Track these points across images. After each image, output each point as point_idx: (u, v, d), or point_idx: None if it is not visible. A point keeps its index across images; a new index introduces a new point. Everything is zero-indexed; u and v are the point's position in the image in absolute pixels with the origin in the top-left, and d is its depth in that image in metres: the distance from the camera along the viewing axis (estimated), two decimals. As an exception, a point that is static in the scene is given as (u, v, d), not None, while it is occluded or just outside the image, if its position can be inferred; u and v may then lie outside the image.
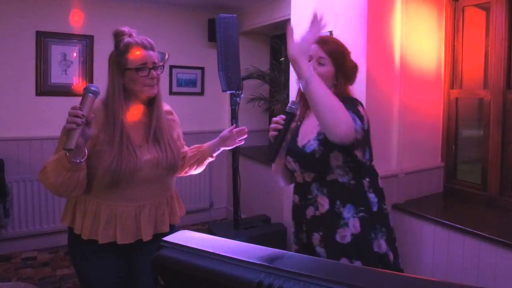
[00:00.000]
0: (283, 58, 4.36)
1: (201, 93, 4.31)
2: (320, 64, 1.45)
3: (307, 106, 1.50)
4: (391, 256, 1.41)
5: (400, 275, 0.43)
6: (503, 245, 1.71)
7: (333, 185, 1.41)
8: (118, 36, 1.44)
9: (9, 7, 3.37)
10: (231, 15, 2.85)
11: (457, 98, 2.45)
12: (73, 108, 1.23)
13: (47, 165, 1.31)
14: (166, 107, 1.60)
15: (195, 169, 1.72)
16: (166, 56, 1.55)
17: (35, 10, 3.46)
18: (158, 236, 1.47)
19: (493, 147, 2.22)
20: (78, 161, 1.26)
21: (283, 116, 1.37)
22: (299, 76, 1.23)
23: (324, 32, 2.31)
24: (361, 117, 1.36)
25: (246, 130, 1.71)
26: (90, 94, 1.28)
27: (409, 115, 2.29)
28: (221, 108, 4.40)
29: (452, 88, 2.46)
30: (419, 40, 2.33)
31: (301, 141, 1.48)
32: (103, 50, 3.71)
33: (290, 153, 1.48)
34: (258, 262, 0.47)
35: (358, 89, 2.11)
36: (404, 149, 2.28)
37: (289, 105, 1.37)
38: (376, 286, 0.42)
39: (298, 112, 1.39)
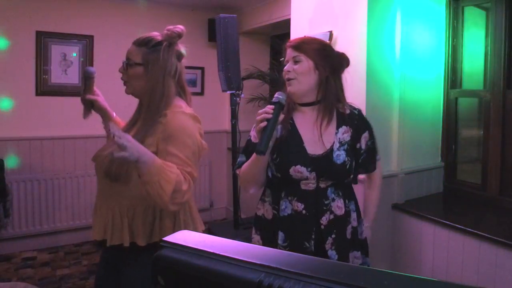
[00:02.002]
0: (283, 58, 4.35)
1: (201, 93, 4.31)
2: (295, 62, 1.43)
3: (293, 108, 1.49)
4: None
5: (400, 275, 0.43)
6: (503, 245, 1.71)
7: (346, 186, 1.46)
8: None
9: (9, 7, 3.37)
10: (231, 15, 2.85)
11: (457, 98, 2.45)
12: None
13: None
14: (174, 109, 1.37)
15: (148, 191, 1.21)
16: None
17: (35, 10, 3.46)
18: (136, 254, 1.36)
19: (493, 147, 2.22)
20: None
21: (271, 106, 1.30)
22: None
23: (320, 34, 2.31)
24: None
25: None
26: (84, 79, 1.55)
27: (409, 115, 2.28)
28: (221, 108, 4.40)
29: (452, 88, 2.46)
30: (419, 39, 2.33)
31: (311, 149, 1.41)
32: (103, 50, 3.71)
33: (301, 162, 1.38)
34: (258, 262, 0.47)
35: (358, 89, 2.12)
36: (404, 149, 2.28)
37: (276, 95, 1.33)
38: (376, 286, 0.42)
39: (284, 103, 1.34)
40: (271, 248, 0.53)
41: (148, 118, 1.35)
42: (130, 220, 1.34)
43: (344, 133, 1.44)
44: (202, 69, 4.27)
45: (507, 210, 2.11)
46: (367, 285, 0.42)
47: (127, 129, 1.44)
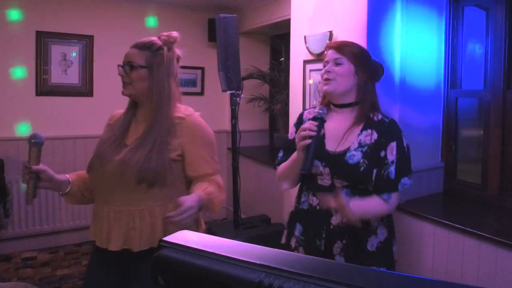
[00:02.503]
0: (283, 58, 4.36)
1: (201, 93, 4.30)
2: (337, 64, 1.44)
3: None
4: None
5: (400, 275, 0.43)
6: (503, 245, 1.71)
7: (364, 193, 1.41)
8: None
9: (9, 7, 3.36)
10: (231, 15, 2.85)
11: (457, 98, 2.45)
12: (23, 165, 1.35)
13: None
14: (183, 112, 1.45)
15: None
16: None
17: (35, 10, 3.46)
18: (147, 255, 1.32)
19: (493, 147, 2.22)
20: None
21: (315, 123, 1.33)
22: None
23: (320, 34, 2.31)
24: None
25: None
26: (31, 147, 1.31)
27: (409, 115, 2.28)
28: (221, 108, 4.40)
29: (452, 88, 2.46)
30: (419, 39, 2.33)
31: (331, 145, 1.44)
32: (103, 50, 3.71)
33: (317, 156, 1.40)
34: (258, 262, 0.47)
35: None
36: (404, 149, 2.27)
37: (317, 110, 1.36)
38: (376, 286, 0.42)
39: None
40: (271, 248, 0.53)
41: (158, 120, 1.38)
42: (144, 221, 1.35)
43: (367, 136, 1.42)
44: (202, 69, 4.26)
45: (507, 210, 2.11)
46: (367, 285, 0.42)
47: (123, 129, 1.44)
